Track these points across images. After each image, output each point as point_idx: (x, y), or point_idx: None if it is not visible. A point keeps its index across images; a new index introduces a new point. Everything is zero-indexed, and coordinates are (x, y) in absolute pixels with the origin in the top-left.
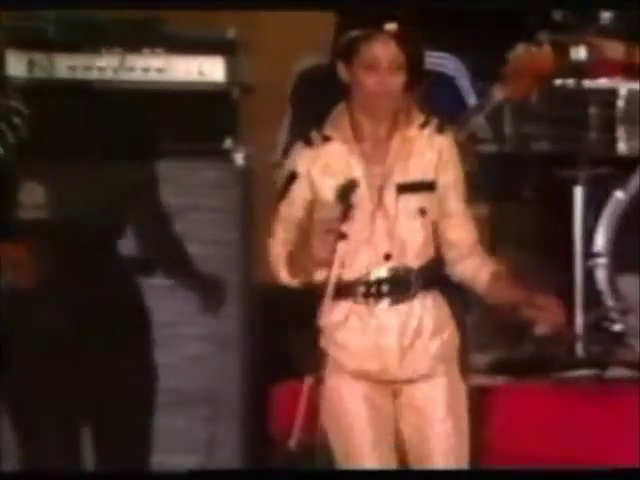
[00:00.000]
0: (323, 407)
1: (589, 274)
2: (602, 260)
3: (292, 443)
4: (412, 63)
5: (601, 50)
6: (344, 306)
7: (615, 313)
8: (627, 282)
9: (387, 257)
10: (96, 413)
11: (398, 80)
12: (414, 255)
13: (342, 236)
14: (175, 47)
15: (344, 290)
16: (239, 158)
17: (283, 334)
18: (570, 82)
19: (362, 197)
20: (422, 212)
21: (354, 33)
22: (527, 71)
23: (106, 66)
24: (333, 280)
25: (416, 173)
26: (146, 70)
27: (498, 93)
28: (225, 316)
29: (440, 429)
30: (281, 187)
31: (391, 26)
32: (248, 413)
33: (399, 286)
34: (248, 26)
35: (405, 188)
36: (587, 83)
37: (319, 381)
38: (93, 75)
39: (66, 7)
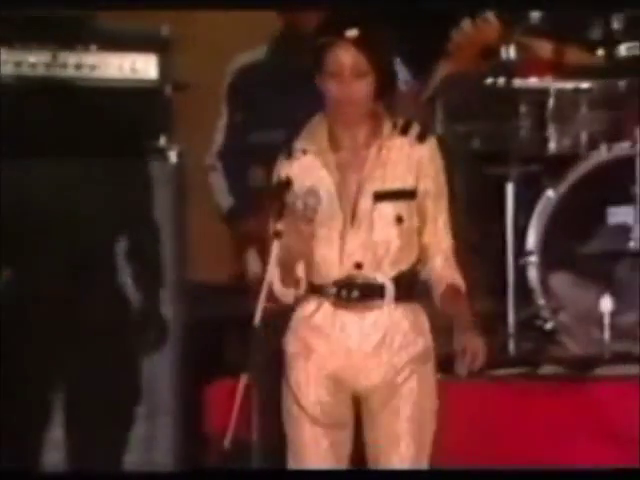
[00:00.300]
0: (282, 405)
1: (521, 272)
2: (533, 258)
3: (227, 442)
4: (378, 69)
5: (531, 49)
6: (313, 304)
7: (546, 311)
8: (558, 280)
9: (358, 266)
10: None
11: (363, 86)
12: (388, 264)
13: (277, 234)
14: (108, 44)
15: (316, 289)
16: (173, 156)
17: (218, 332)
18: (501, 81)
19: (334, 207)
20: (399, 220)
21: (318, 42)
22: (474, 42)
23: (38, 62)
24: (268, 279)
25: (394, 181)
26: (79, 67)
27: (443, 68)
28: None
29: (402, 439)
30: (274, 201)
31: (352, 32)
32: (182, 412)
33: (369, 294)
34: (181, 23)
35: (382, 196)
36: (517, 82)
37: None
38: (25, 71)
39: (66, 7)
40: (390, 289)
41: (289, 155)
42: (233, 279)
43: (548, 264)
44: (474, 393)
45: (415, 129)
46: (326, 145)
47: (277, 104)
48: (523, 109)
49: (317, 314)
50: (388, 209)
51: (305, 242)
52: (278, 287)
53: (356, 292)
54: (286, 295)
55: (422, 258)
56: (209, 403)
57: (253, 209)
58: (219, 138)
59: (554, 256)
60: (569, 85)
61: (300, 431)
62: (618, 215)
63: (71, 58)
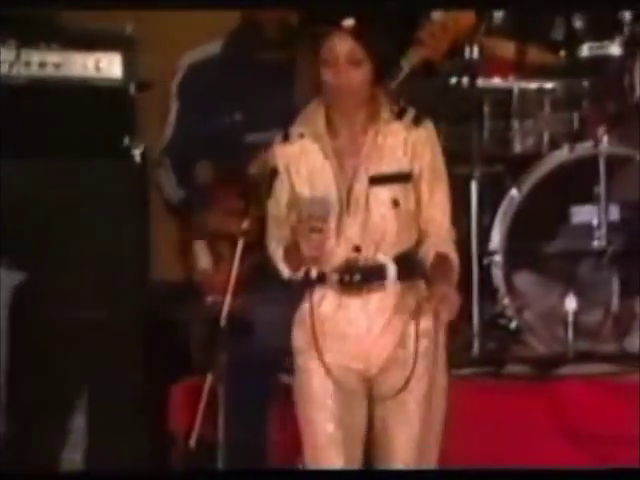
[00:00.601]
0: (295, 396)
1: (485, 272)
2: (497, 258)
3: (192, 441)
4: (375, 57)
5: (494, 49)
6: (317, 294)
7: (511, 310)
8: (522, 279)
9: (357, 249)
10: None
11: (358, 74)
12: (388, 246)
13: (244, 233)
14: (72, 42)
15: (318, 278)
16: (137, 155)
17: (183, 332)
18: (464, 80)
19: (331, 192)
20: (395, 203)
21: (314, 30)
22: (448, 29)
23: (1, 60)
24: (234, 274)
25: (390, 165)
26: (43, 65)
27: (414, 56)
28: (122, 314)
29: (408, 425)
30: (265, 185)
31: (348, 22)
32: (147, 412)
33: (371, 276)
34: (145, 22)
35: (378, 180)
36: (481, 82)
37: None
38: None
39: (66, 7)
40: (392, 269)
41: (285, 139)
42: (185, 274)
43: (512, 263)
44: None
45: (410, 113)
46: (323, 131)
47: (232, 98)
48: (486, 109)
49: (322, 304)
50: (384, 193)
51: (316, 250)
52: (287, 272)
53: (358, 275)
54: (294, 277)
55: (419, 240)
56: (174, 403)
57: (204, 202)
58: (168, 133)
59: (518, 255)
60: (532, 85)
61: (311, 420)
62: (581, 214)
63: (35, 56)
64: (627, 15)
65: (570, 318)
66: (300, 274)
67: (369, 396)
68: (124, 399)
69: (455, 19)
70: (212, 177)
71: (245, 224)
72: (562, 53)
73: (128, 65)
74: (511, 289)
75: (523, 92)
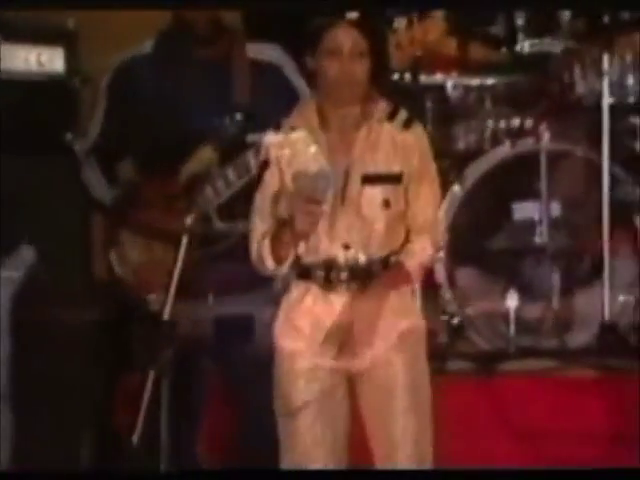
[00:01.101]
0: (275, 391)
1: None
2: (440, 253)
3: (135, 438)
4: (375, 51)
5: (436, 46)
6: (302, 287)
7: (453, 306)
8: (465, 275)
9: (346, 247)
10: None
11: (360, 67)
12: (376, 245)
13: (188, 230)
14: (13, 36)
15: (304, 273)
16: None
17: (126, 328)
18: (406, 77)
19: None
20: (386, 204)
21: (317, 21)
22: (415, 40)
23: None
24: (177, 275)
25: (382, 165)
26: None
27: None
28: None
29: (401, 418)
30: (256, 176)
31: (353, 14)
32: (90, 409)
33: (357, 275)
34: (87, 16)
35: (370, 179)
36: (423, 78)
37: None
38: None
39: (67, 6)
40: (378, 270)
41: (277, 130)
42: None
43: (454, 259)
44: None
45: (402, 115)
46: (317, 124)
47: (161, 97)
48: (429, 105)
49: (306, 298)
50: (375, 193)
51: (311, 224)
52: (271, 265)
53: (344, 274)
54: (278, 270)
55: (403, 243)
56: (118, 400)
57: (136, 200)
58: (94, 132)
59: (460, 251)
60: (473, 81)
61: (293, 422)
62: (523, 211)
63: None
64: (566, 13)
65: (512, 314)
66: (284, 268)
67: (353, 394)
68: (68, 398)
69: (424, 31)
70: (137, 175)
71: (189, 220)
72: (503, 50)
73: (70, 60)
74: (453, 285)
75: (465, 88)
